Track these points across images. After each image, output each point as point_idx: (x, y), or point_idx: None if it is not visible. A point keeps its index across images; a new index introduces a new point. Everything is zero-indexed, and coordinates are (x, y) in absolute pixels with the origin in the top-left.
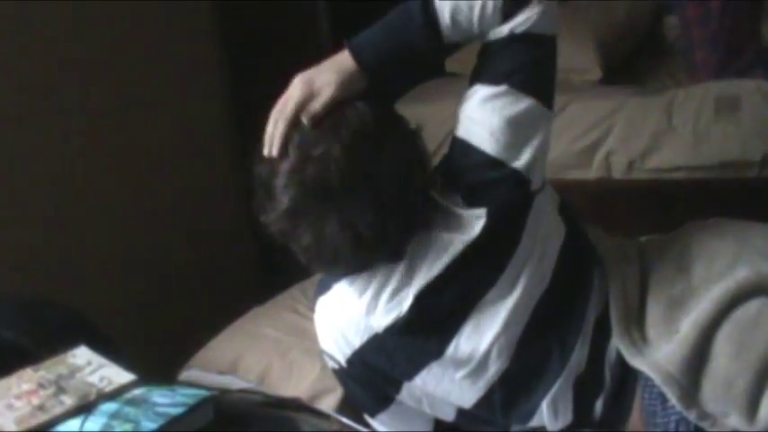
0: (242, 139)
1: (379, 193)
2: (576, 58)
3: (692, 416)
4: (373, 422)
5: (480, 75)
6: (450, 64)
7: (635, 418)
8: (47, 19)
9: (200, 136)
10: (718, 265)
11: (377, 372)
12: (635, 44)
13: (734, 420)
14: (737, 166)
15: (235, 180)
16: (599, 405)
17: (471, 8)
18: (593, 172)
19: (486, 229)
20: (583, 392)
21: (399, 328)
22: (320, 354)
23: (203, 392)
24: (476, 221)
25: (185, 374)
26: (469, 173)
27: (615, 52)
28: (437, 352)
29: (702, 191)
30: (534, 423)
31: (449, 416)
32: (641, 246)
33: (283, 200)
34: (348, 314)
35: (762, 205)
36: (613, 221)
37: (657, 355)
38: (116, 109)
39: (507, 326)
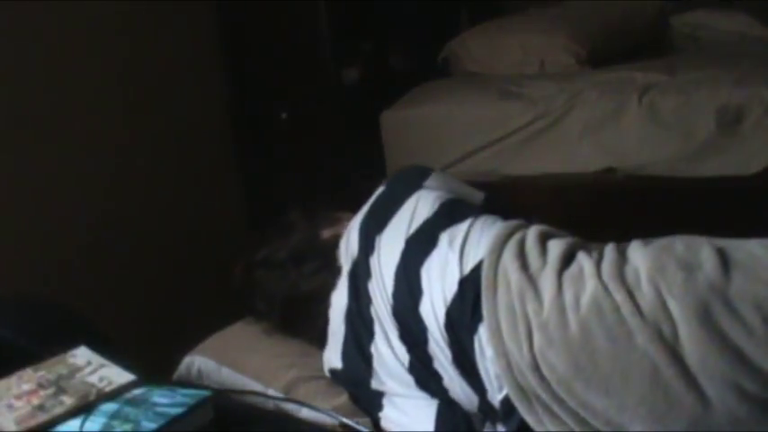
0: (242, 138)
1: None
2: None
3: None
4: (384, 424)
5: None
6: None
7: None
8: (47, 20)
9: (199, 136)
10: None
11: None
12: (633, 43)
13: None
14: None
15: (234, 180)
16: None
17: None
18: (593, 172)
19: None
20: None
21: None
22: None
23: (203, 392)
24: None
25: (191, 359)
26: None
27: (609, 47)
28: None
29: (702, 191)
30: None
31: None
32: None
33: None
34: None
35: (762, 206)
36: (613, 221)
37: None
38: (115, 109)
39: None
